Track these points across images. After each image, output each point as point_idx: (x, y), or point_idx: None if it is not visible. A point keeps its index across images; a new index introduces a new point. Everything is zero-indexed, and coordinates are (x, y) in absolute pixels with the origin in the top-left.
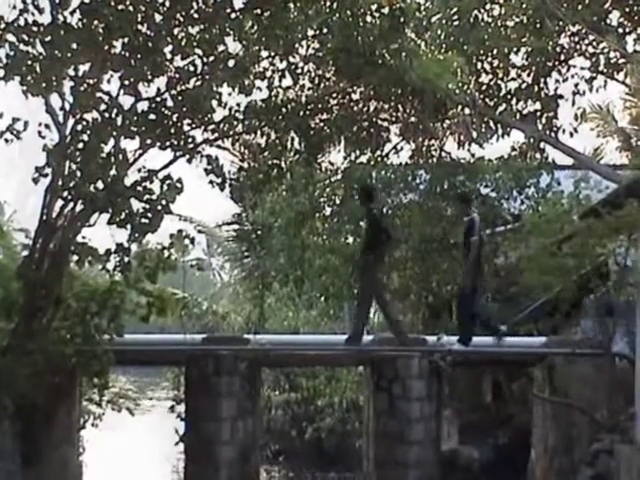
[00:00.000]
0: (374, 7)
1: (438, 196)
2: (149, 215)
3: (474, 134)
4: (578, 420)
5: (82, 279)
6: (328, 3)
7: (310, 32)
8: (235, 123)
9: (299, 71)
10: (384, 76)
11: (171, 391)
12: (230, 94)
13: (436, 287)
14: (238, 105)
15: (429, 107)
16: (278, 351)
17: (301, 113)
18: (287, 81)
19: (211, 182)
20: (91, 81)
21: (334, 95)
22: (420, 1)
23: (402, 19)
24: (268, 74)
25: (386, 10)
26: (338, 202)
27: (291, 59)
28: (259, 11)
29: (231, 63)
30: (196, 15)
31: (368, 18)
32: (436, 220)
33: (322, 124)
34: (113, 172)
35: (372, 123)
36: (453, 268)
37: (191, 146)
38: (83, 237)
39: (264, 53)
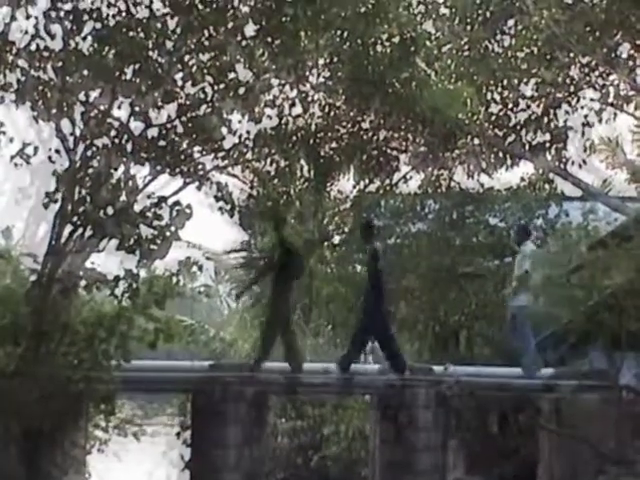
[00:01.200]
0: (385, 37)
1: (447, 226)
2: (158, 241)
3: (483, 164)
4: (584, 452)
5: (90, 305)
6: (339, 32)
7: (321, 61)
8: (245, 150)
9: (309, 99)
10: (394, 105)
11: (177, 417)
12: (240, 121)
13: (444, 316)
14: (248, 133)
15: (439, 137)
16: (284, 380)
17: (311, 141)
18: (297, 109)
19: (220, 209)
20: (102, 107)
21: (344, 124)
22: (431, 31)
23: (413, 48)
24: (278, 102)
25: (397, 39)
26: (347, 230)
27: (301, 87)
28: (270, 39)
29: (241, 91)
30: (207, 42)
31: (379, 47)
32: (444, 250)
33: (331, 152)
34: (123, 198)
35: (381, 152)
36: (461, 298)
37: (201, 173)
38: (92, 263)
39: (275, 81)
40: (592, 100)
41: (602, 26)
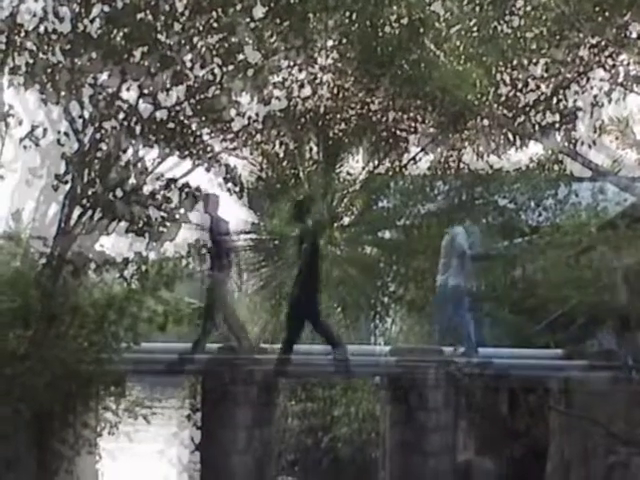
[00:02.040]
0: (393, 17)
1: (456, 207)
2: (167, 224)
3: (492, 145)
4: (594, 432)
5: (100, 287)
6: (348, 14)
7: (330, 42)
8: (254, 132)
9: (318, 81)
10: (403, 86)
11: (188, 399)
12: (249, 103)
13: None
14: (257, 114)
15: (448, 118)
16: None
17: (320, 123)
18: (306, 91)
19: (229, 190)
20: (111, 89)
21: (352, 105)
22: (440, 12)
23: (421, 29)
24: (287, 83)
25: (405, 20)
26: (356, 212)
27: (310, 69)
28: (279, 20)
29: (250, 72)
30: (216, 24)
31: (387, 28)
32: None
33: (340, 134)
34: (132, 180)
35: (391, 133)
36: (486, 285)
37: (210, 155)
38: (101, 245)
39: (284, 62)
40: (602, 80)
41: (612, 5)
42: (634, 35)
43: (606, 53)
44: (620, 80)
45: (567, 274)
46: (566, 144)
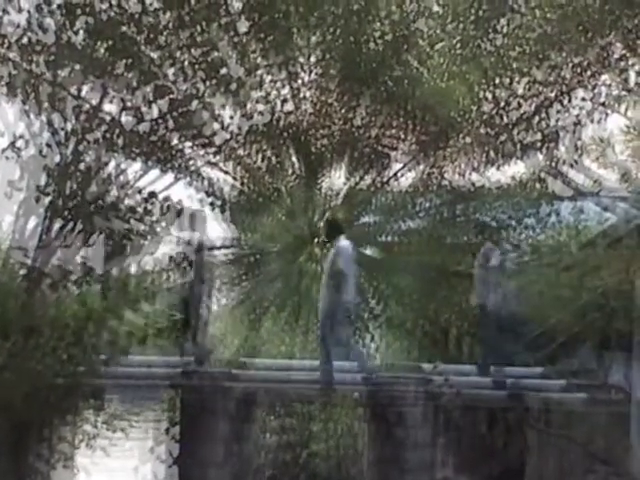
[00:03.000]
0: (377, 34)
1: (438, 224)
2: (148, 237)
3: (474, 163)
4: (573, 451)
5: (80, 299)
6: (331, 29)
7: (313, 58)
8: (236, 146)
9: (301, 96)
10: (385, 103)
11: (166, 413)
12: (232, 117)
13: (434, 315)
14: (239, 128)
15: (430, 135)
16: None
17: (302, 138)
18: (289, 106)
19: (211, 204)
20: (93, 101)
21: (335, 120)
22: (423, 29)
23: (405, 46)
24: (270, 98)
25: (389, 37)
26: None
27: (293, 84)
28: (262, 35)
29: (233, 87)
30: (199, 38)
31: (371, 45)
32: (435, 248)
33: (322, 149)
34: (113, 193)
35: (372, 149)
36: (451, 296)
37: (192, 169)
38: (82, 257)
39: (266, 77)
40: (584, 100)
41: (594, 26)
42: (616, 55)
43: (588, 73)
44: (602, 100)
45: (570, 298)
46: (548, 163)
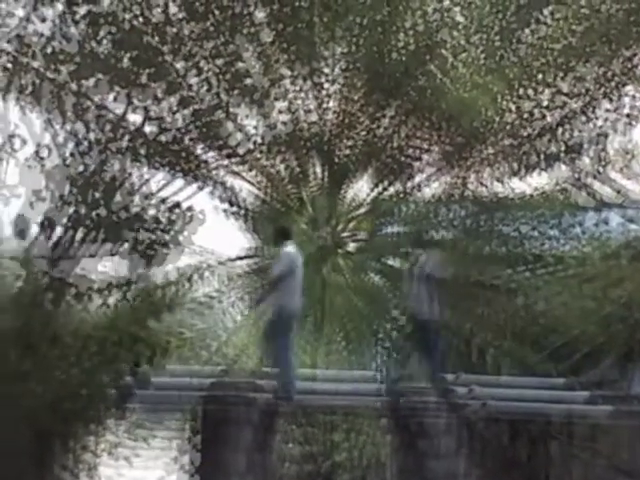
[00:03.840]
0: (400, 44)
1: (474, 234)
2: (155, 247)
3: (497, 173)
4: (596, 464)
5: (81, 314)
6: (355, 39)
7: (337, 68)
8: (259, 156)
9: (325, 106)
10: (409, 113)
11: (175, 441)
12: (255, 127)
13: (469, 334)
14: (262, 138)
15: (454, 145)
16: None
17: (325, 148)
18: (312, 116)
19: (234, 214)
20: (117, 111)
21: (358, 131)
22: (447, 39)
23: (428, 57)
24: (294, 108)
25: (412, 47)
26: (363, 237)
27: (316, 79)
28: (286, 46)
29: (257, 96)
30: (223, 48)
31: (394, 55)
32: (471, 260)
33: (347, 152)
34: (136, 203)
35: (395, 160)
36: (489, 314)
37: (215, 178)
38: (83, 269)
39: (290, 87)
40: (608, 111)
41: (618, 37)
42: None
43: (612, 84)
44: (626, 111)
45: (594, 309)
46: (571, 174)
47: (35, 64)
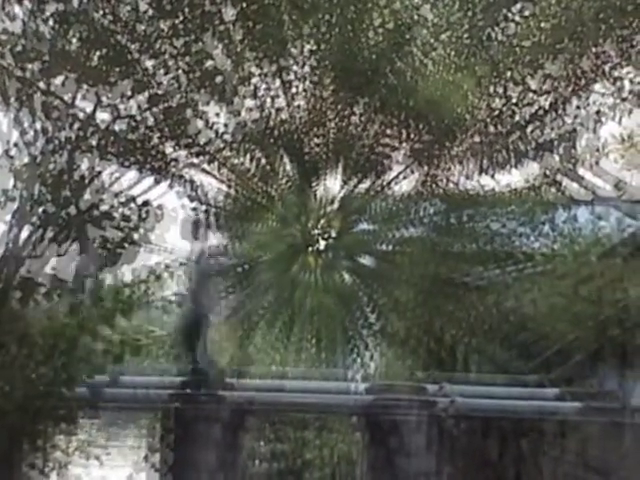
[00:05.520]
0: (377, 23)
1: (444, 231)
2: (125, 245)
3: (484, 164)
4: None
5: (50, 314)
6: (326, 17)
7: (306, 49)
8: (222, 146)
9: (293, 91)
10: (386, 98)
11: (145, 439)
12: (217, 114)
13: (439, 332)
14: (226, 126)
15: (435, 133)
16: (263, 398)
17: (294, 136)
18: (280, 101)
19: (194, 209)
20: (65, 97)
21: (330, 118)
22: (428, 17)
23: (407, 36)
24: (259, 93)
25: (390, 26)
26: (334, 235)
27: (284, 77)
28: (250, 24)
29: (219, 80)
30: (181, 27)
31: (370, 34)
32: (440, 257)
33: (317, 149)
34: (87, 197)
35: (371, 149)
36: (459, 311)
37: (174, 170)
38: (52, 268)
39: (255, 70)
40: (604, 95)
41: (588, 35)
42: (610, 64)
43: (609, 65)
44: (624, 94)
45: (564, 307)
46: (564, 164)
47: (3, 62)
